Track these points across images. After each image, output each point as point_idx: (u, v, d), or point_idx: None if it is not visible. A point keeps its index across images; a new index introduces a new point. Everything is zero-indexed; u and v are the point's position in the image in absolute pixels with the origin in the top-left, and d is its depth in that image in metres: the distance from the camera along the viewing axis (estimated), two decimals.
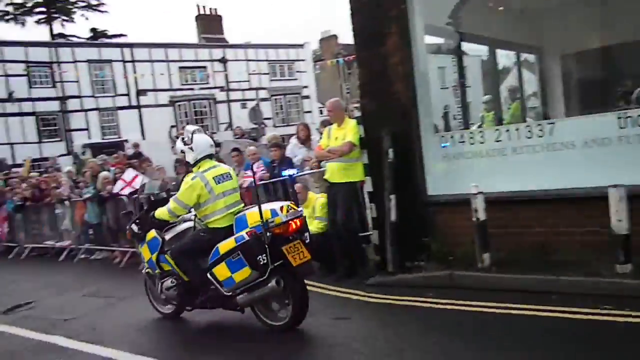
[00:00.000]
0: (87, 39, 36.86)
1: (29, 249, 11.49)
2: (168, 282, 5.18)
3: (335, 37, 40.73)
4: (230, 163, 7.32)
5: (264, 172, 7.68)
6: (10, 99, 25.20)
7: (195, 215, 5.13)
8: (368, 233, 6.48)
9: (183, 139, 5.07)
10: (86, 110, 27.67)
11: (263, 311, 4.74)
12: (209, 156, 5.01)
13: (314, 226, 6.34)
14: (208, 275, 4.66)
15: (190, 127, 5.19)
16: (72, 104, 27.35)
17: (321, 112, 30.80)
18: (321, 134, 7.24)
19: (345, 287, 5.82)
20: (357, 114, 7.12)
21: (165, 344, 5.15)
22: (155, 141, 17.65)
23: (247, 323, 4.91)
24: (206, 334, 5.23)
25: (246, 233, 4.44)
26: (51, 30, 36.26)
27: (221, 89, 32.00)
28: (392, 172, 5.92)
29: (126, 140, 27.88)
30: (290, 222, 4.52)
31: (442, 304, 4.87)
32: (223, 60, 32.00)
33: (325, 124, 8.05)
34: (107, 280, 8.29)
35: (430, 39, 6.97)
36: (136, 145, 14.16)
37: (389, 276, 5.76)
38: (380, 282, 5.73)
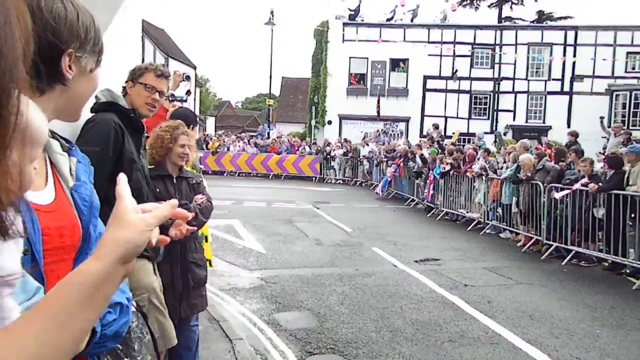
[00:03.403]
0: (532, 21, 37.12)
1: (443, 212, 12.85)
2: None
3: None
4: None
5: None
6: (453, 77, 28.22)
7: None
8: None
9: None
10: (516, 93, 28.33)
11: None
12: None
13: None
14: None
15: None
16: (504, 86, 28.44)
17: None
18: None
19: None
20: None
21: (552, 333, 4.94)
22: (581, 131, 16.42)
23: None
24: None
25: None
26: (500, 13, 38.14)
27: None
28: None
29: (550, 127, 27.20)
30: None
31: None
32: None
33: None
34: (507, 260, 8.46)
35: None
36: (574, 135, 13.45)
37: None
38: None
